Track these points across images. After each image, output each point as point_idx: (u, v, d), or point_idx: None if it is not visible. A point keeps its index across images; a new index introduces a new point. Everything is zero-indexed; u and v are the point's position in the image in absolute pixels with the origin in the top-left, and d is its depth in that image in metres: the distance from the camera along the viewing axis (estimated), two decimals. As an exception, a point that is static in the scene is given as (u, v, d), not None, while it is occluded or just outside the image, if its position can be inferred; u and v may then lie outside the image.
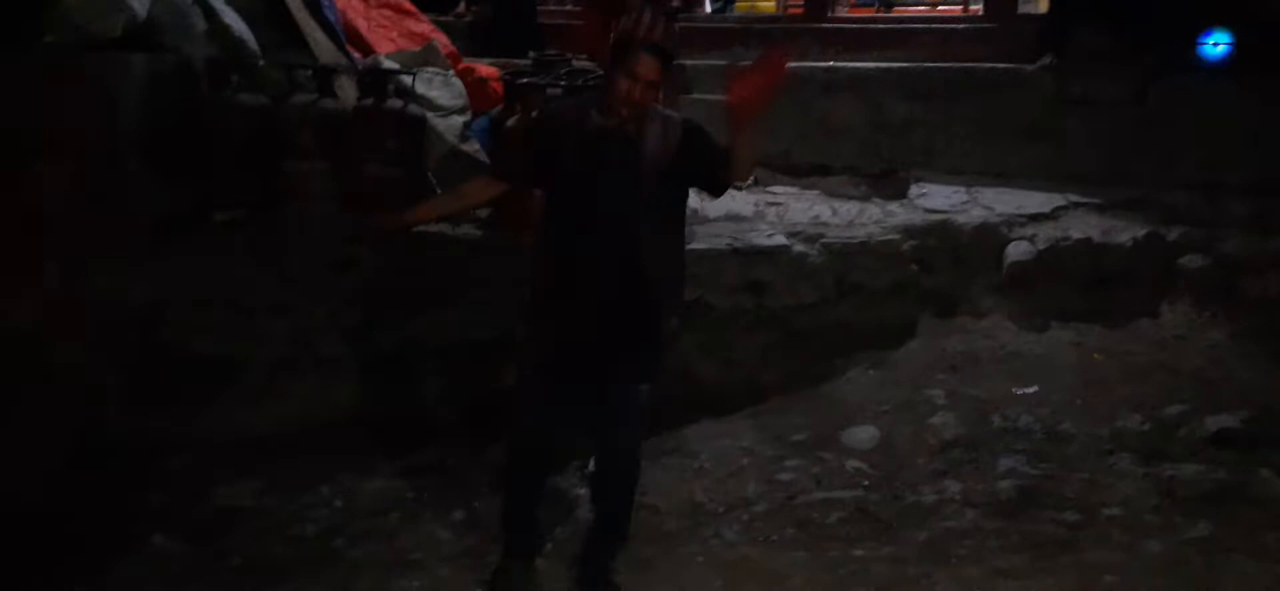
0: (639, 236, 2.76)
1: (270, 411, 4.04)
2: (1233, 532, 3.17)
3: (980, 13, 6.23)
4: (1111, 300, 4.59)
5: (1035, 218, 4.82)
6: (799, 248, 4.55)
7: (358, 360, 4.23)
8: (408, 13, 5.50)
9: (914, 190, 5.23)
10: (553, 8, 7.12)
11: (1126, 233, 4.71)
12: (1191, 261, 4.65)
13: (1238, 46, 5.35)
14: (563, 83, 4.47)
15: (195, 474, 3.73)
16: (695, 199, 5.21)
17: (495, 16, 6.80)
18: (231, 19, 4.47)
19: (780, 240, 4.58)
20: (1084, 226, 4.77)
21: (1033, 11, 6.57)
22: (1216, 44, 5.37)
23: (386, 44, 5.14)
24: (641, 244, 2.76)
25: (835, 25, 6.40)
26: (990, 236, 4.70)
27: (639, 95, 2.64)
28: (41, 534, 3.34)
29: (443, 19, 6.26)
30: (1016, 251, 4.62)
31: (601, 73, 4.93)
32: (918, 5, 8.14)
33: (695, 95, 6.24)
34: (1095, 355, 4.32)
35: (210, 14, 4.41)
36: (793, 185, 5.70)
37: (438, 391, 4.27)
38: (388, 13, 5.38)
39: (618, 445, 2.96)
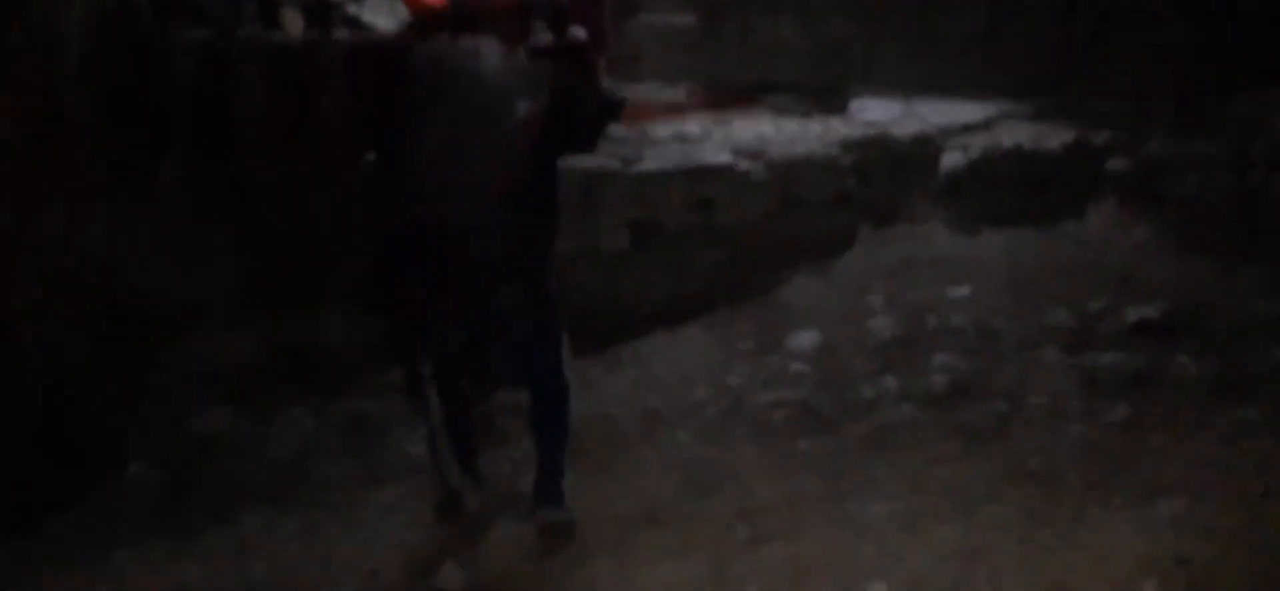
0: None
1: (235, 345, 4.10)
2: (1150, 414, 3.34)
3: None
4: (1042, 204, 4.81)
5: (969, 128, 5.02)
6: (744, 164, 4.70)
7: (321, 291, 4.30)
8: (350, -60, 5.45)
9: (854, 105, 5.39)
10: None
11: (1056, 139, 4.92)
12: (1116, 164, 4.87)
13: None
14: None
15: (167, 409, 3.82)
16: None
17: None
18: (173, -48, 4.43)
19: (726, 158, 4.72)
20: (1016, 135, 4.98)
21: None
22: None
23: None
24: None
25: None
26: (926, 147, 4.90)
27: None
28: (16, 471, 3.42)
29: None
30: (950, 161, 4.83)
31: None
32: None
33: (641, 17, 6.33)
34: (1024, 255, 4.54)
35: (151, -53, 4.37)
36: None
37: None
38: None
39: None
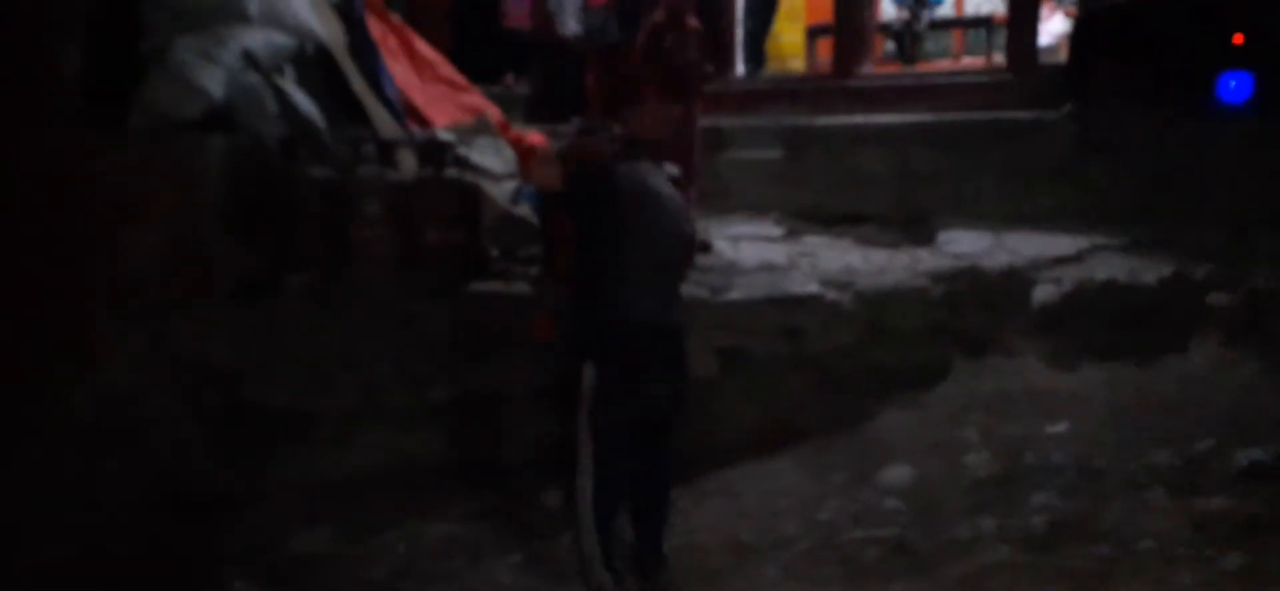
0: None
1: (341, 460, 4.29)
2: (1266, 563, 3.22)
3: (1003, 64, 6.45)
4: (1140, 339, 4.71)
5: (1061, 260, 4.98)
6: (832, 295, 4.76)
7: (422, 410, 4.49)
8: (461, 87, 5.84)
9: (942, 237, 5.42)
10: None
11: (1152, 272, 4.84)
12: (1218, 299, 4.75)
13: (1257, 86, 5.49)
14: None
15: (272, 521, 3.99)
16: (731, 250, 5.52)
17: (544, 87, 7.15)
18: (300, 100, 4.82)
19: (814, 288, 4.79)
20: (1109, 267, 4.92)
21: (1055, 62, 6.76)
22: (1234, 85, 5.53)
23: (442, 117, 5.48)
24: None
25: (863, 83, 6.66)
26: (1017, 279, 4.88)
27: None
28: (130, 578, 3.61)
29: (492, 89, 6.61)
30: (1044, 293, 4.79)
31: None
32: (942, 60, 8.36)
33: (730, 153, 6.53)
34: (1127, 392, 4.44)
35: (281, 96, 4.77)
36: (824, 234, 5.92)
37: (496, 438, 4.52)
38: (442, 88, 5.72)
39: None
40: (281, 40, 4.86)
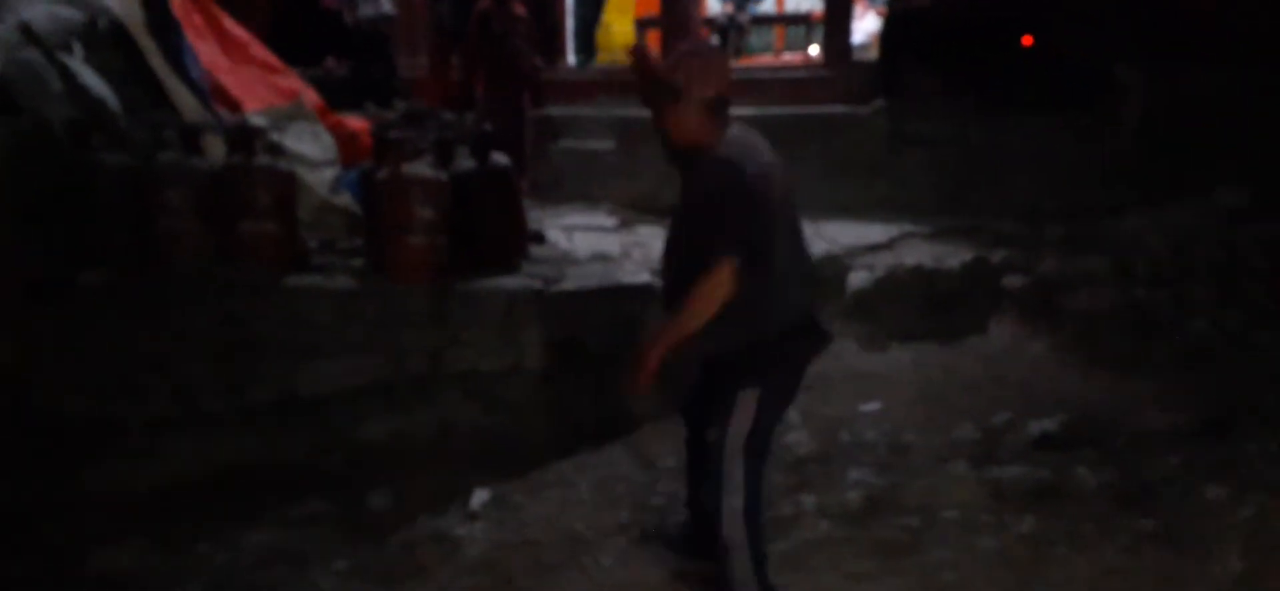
0: None
1: (151, 470, 4.03)
2: (1055, 526, 3.46)
3: (820, 61, 6.72)
4: (945, 321, 5.03)
5: (875, 248, 5.25)
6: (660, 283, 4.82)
7: (238, 414, 4.25)
8: (275, 69, 5.55)
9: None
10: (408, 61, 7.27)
11: (956, 258, 5.18)
12: (1014, 281, 5.14)
13: (1049, 86, 5.97)
14: (434, 135, 4.64)
15: (71, 538, 3.68)
16: (565, 241, 5.50)
17: (352, 73, 6.92)
18: (90, 79, 4.45)
19: (645, 278, 4.84)
20: (918, 254, 5.23)
21: (869, 60, 7.12)
22: (1029, 83, 5.99)
23: (254, 100, 5.18)
24: None
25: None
26: (834, 266, 5.10)
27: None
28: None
29: (312, 73, 6.32)
30: (857, 279, 5.04)
31: (473, 124, 5.15)
32: (764, 55, 8.64)
33: (563, 142, 6.51)
34: (933, 371, 4.73)
35: (68, 75, 4.39)
36: (657, 225, 5.99)
37: (317, 441, 4.33)
38: (255, 70, 5.42)
39: None
40: (67, 13, 4.49)
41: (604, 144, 6.50)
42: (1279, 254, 4.83)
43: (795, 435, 4.24)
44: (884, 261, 5.14)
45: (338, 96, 6.50)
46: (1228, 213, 5.27)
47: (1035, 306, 5.06)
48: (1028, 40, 6.04)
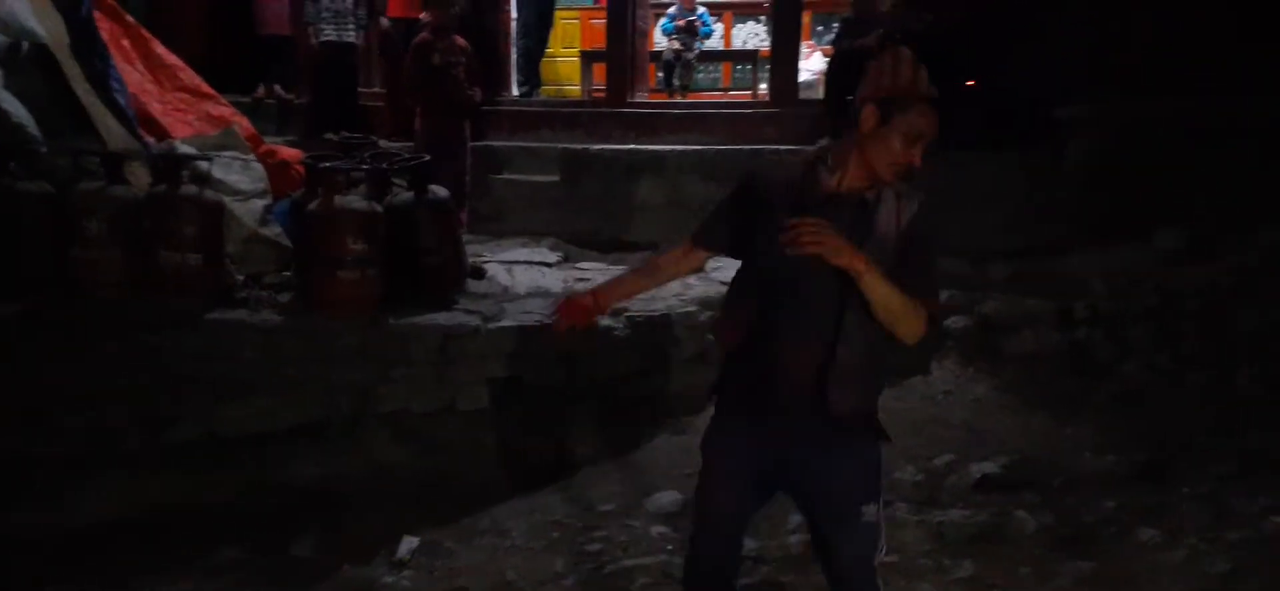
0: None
1: (65, 513, 3.83)
2: (993, 570, 3.44)
3: (767, 98, 6.74)
4: (889, 360, 4.99)
5: (820, 287, 5.21)
6: (605, 321, 4.74)
7: (160, 454, 4.08)
8: (206, 96, 5.40)
9: (710, 264, 5.51)
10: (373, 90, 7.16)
11: (899, 299, 5.16)
12: (957, 322, 5.14)
13: (995, 125, 6.02)
14: (366, 165, 4.52)
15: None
16: (505, 276, 5.40)
17: (315, 100, 6.77)
18: (10, 104, 4.29)
19: (587, 316, 4.75)
20: (862, 294, 5.20)
21: (815, 97, 7.16)
22: (975, 123, 6.03)
23: (183, 128, 5.04)
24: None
25: (636, 110, 6.75)
26: (781, 306, 5.05)
27: (918, 158, 2.25)
28: None
29: (244, 101, 6.16)
30: (803, 319, 4.98)
31: (408, 153, 5.04)
32: (712, 92, 8.67)
33: (505, 175, 6.42)
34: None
35: (-16, 99, 4.21)
36: (601, 261, 5.93)
37: (242, 483, 4.16)
38: (185, 96, 5.27)
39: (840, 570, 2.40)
40: (-13, 37, 4.30)
41: (548, 177, 6.42)
42: (1212, 297, 4.89)
43: (736, 478, 4.17)
44: (828, 300, 5.11)
45: (293, 125, 6.38)
46: (1165, 255, 5.34)
47: (977, 347, 5.07)
48: (971, 84, 6.10)
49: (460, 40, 5.41)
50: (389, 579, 3.55)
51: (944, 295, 5.21)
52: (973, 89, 6.11)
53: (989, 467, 4.07)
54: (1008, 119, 5.96)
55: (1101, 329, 4.95)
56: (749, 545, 3.69)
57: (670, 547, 3.75)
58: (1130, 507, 3.68)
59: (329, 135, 6.07)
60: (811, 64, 9.07)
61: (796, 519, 3.86)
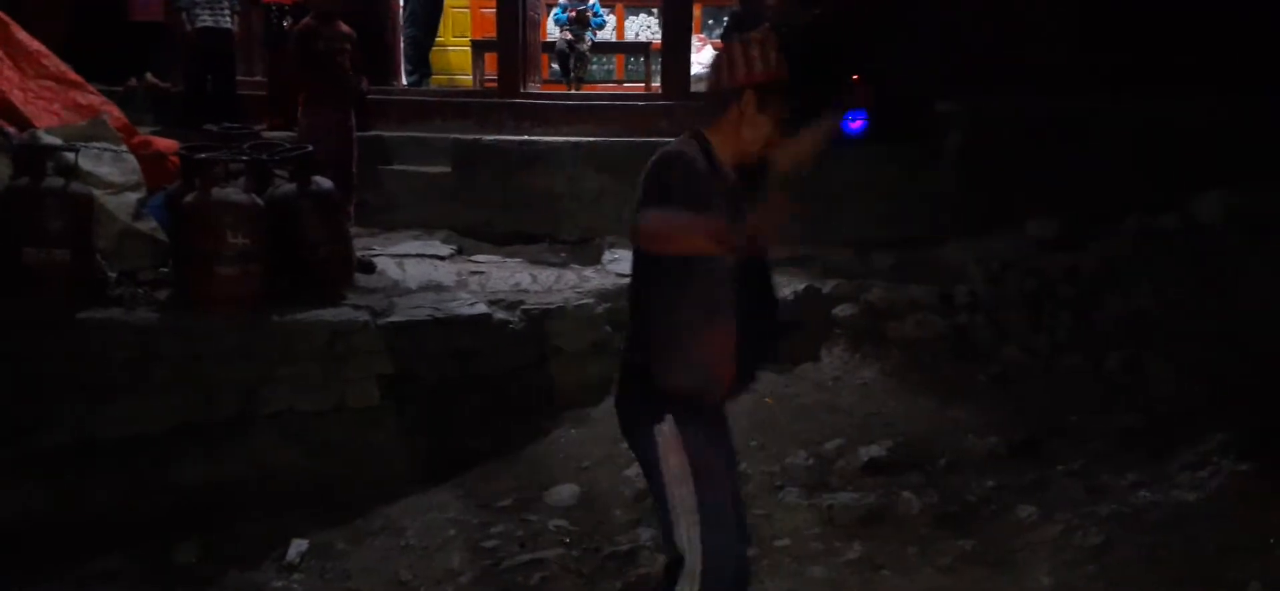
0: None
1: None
2: (882, 550, 3.55)
3: (659, 90, 6.77)
4: (781, 348, 5.10)
5: (711, 277, 5.27)
6: (500, 314, 4.70)
7: (23, 460, 3.84)
8: (73, 84, 5.09)
9: (607, 256, 5.56)
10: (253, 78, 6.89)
11: (789, 287, 5.27)
12: (844, 310, 5.27)
13: (874, 121, 6.19)
14: (246, 156, 4.36)
15: None
16: (396, 270, 5.28)
17: (187, 89, 6.47)
18: None
19: (482, 308, 4.70)
20: (753, 283, 5.29)
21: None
22: (855, 119, 6.19)
23: (48, 117, 4.75)
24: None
25: (529, 101, 6.70)
26: (672, 296, 5.10)
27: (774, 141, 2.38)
28: None
29: (115, 90, 5.84)
30: (695, 309, 5.04)
31: (291, 143, 4.87)
32: (606, 83, 8.67)
33: (396, 166, 6.27)
34: (768, 399, 4.78)
35: None
36: (495, 253, 5.86)
37: (118, 490, 3.96)
38: (49, 84, 4.96)
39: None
40: None
41: (440, 168, 6.30)
42: (1082, 282, 5.16)
43: (635, 469, 4.18)
44: (720, 290, 5.18)
45: (169, 114, 6.07)
46: (1038, 243, 5.59)
47: (864, 334, 5.20)
48: (856, 78, 6.25)
49: (344, 27, 5.25)
50: (278, 584, 3.44)
51: (831, 284, 5.37)
52: (856, 82, 6.27)
53: (876, 451, 4.18)
54: (891, 112, 6.13)
55: (981, 314, 5.15)
56: (645, 535, 3.73)
57: (568, 540, 3.75)
58: (1010, 486, 3.85)
59: (208, 125, 5.82)
60: (702, 57, 9.17)
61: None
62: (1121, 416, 4.28)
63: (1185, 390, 4.37)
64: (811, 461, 4.20)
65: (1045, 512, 3.59)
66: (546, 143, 6.19)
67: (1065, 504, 3.63)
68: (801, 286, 5.28)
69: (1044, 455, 4.10)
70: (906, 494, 3.88)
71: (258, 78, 6.94)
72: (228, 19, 6.45)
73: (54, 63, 5.08)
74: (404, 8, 7.71)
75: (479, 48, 8.44)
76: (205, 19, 6.29)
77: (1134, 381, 4.56)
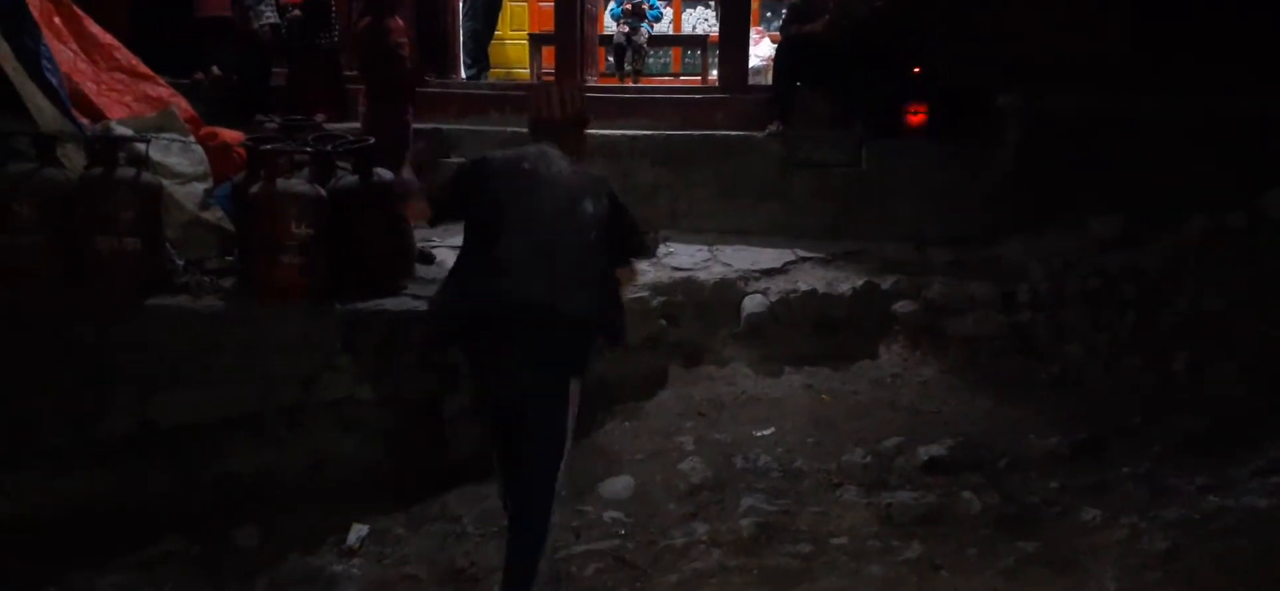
0: None
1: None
2: (941, 550, 3.50)
3: (716, 84, 6.74)
4: (837, 345, 5.07)
5: (768, 272, 5.26)
6: (557, 308, 4.71)
7: (88, 448, 3.94)
8: (144, 76, 5.21)
9: (661, 249, 5.55)
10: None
11: (847, 283, 5.22)
12: (903, 307, 5.21)
13: (934, 115, 6.11)
14: (309, 148, 4.43)
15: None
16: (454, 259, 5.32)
17: (234, 81, 6.61)
18: (-70, 83, 4.09)
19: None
20: (811, 278, 5.26)
21: (764, 84, 7.17)
22: (915, 113, 6.12)
23: (119, 109, 4.87)
24: None
25: (587, 94, 6.69)
26: (729, 290, 5.09)
27: None
28: None
29: (182, 82, 5.98)
30: (752, 304, 5.02)
31: (355, 137, 4.95)
32: (662, 76, 8.65)
33: (454, 158, 6.32)
34: (824, 396, 4.74)
35: (-96, 78, 4.03)
36: (551, 245, 5.88)
37: (179, 477, 4.05)
38: (121, 76, 5.08)
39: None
40: (-94, 12, 4.11)
41: (498, 162, 6.34)
42: (1145, 281, 5.03)
43: (689, 462, 4.19)
44: (778, 286, 5.15)
45: (232, 108, 6.23)
46: (1100, 241, 5.47)
47: (923, 331, 5.14)
48: (918, 70, 6.17)
49: (400, 21, 5.33)
50: (338, 567, 3.49)
51: (889, 280, 5.31)
52: (917, 76, 6.19)
53: (936, 449, 4.14)
54: (950, 107, 6.05)
55: (1042, 312, 5.06)
56: (700, 530, 3.72)
57: (622, 532, 3.75)
58: (1072, 488, 3.78)
59: (259, 117, 5.95)
60: (760, 50, 9.11)
61: (747, 502, 3.90)
62: (1186, 418, 4.18)
63: (1253, 392, 4.24)
64: (869, 459, 4.15)
65: (1109, 515, 3.51)
66: (602, 136, 6.17)
67: (1130, 507, 3.55)
68: (860, 282, 5.23)
69: (1107, 456, 4.01)
70: (966, 494, 3.83)
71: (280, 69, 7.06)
72: (276, 16, 6.62)
73: (125, 55, 5.22)
74: (464, 2, 7.77)
75: (537, 41, 8.49)
76: (270, 16, 6.44)
77: (1199, 382, 4.44)
